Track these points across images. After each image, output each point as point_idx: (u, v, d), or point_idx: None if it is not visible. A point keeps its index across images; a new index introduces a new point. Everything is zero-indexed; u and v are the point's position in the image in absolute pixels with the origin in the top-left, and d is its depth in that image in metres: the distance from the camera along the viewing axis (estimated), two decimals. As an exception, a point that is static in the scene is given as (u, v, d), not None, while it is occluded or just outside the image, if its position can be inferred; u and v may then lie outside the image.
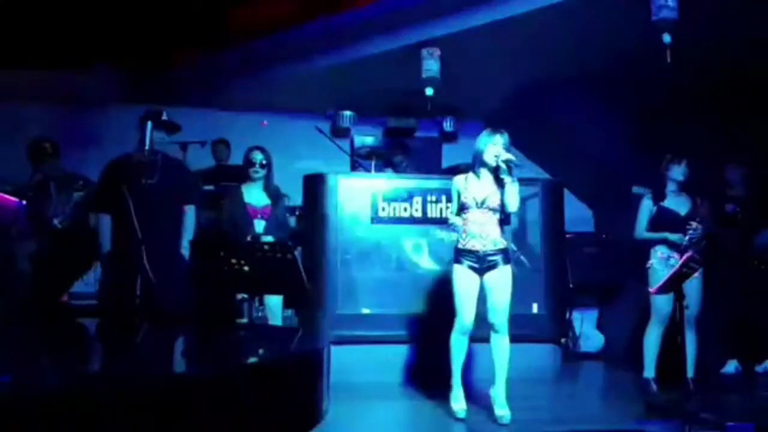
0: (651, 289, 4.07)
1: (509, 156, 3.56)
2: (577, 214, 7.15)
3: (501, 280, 3.61)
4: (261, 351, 2.19)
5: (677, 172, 4.34)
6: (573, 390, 5.05)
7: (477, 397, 3.83)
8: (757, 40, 5.08)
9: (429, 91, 6.08)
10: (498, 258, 3.61)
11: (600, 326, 6.19)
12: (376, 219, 4.97)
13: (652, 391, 4.12)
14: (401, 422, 3.90)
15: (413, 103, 6.73)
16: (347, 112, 7.92)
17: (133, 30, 6.49)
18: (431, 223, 4.97)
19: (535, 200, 5.28)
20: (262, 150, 4.23)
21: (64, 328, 2.74)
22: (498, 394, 3.61)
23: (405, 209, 5.00)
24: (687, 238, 4.19)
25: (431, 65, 5.99)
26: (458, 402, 3.72)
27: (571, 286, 5.88)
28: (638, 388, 4.23)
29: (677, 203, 4.36)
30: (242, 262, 2.90)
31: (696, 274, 3.87)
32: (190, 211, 3.98)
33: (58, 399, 1.18)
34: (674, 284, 3.47)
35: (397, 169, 6.46)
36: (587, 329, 6.14)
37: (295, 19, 6.51)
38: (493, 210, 3.63)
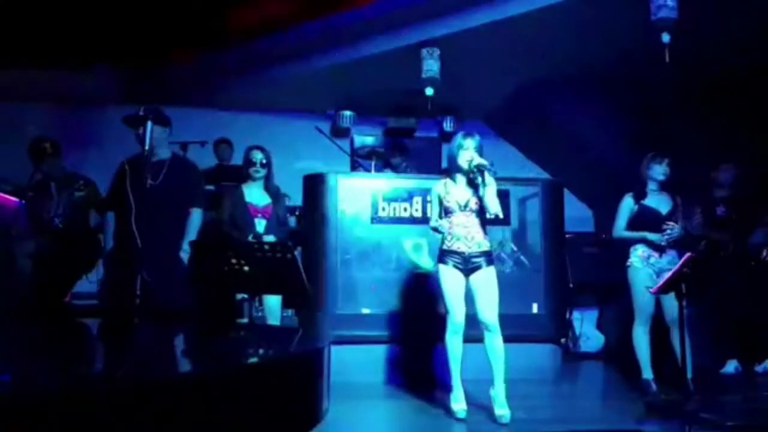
0: (651, 290, 4.06)
1: (481, 161, 3.60)
2: (577, 214, 7.16)
3: (486, 281, 3.65)
4: (261, 351, 2.19)
5: (658, 171, 4.31)
6: (573, 390, 5.05)
7: (477, 397, 3.83)
8: (754, 39, 5.09)
9: (429, 91, 6.08)
10: (482, 260, 3.66)
11: (600, 326, 6.19)
12: (376, 219, 4.97)
13: (652, 391, 4.11)
14: (401, 422, 3.90)
15: (413, 103, 6.74)
16: (347, 112, 7.92)
17: (133, 30, 6.48)
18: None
19: (535, 200, 5.28)
20: (262, 149, 4.24)
21: (64, 328, 2.74)
22: (498, 394, 3.61)
23: (405, 209, 5.00)
24: (665, 237, 4.18)
25: (431, 65, 5.99)
26: (458, 402, 3.72)
27: (571, 286, 5.89)
28: (638, 388, 4.23)
29: (658, 202, 4.33)
30: (242, 262, 2.90)
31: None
32: (194, 214, 3.95)
33: (58, 399, 1.18)
34: (674, 284, 3.47)
35: (396, 170, 6.47)
36: (587, 329, 6.15)
37: (295, 19, 6.51)
38: (476, 212, 3.67)
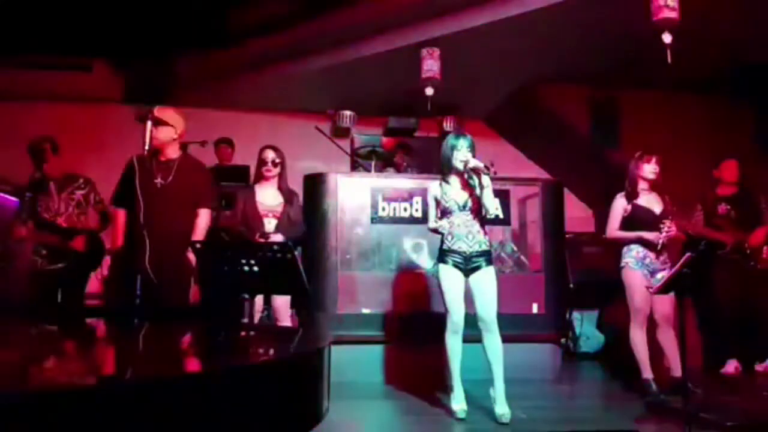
0: (651, 289, 4.06)
1: (477, 163, 3.60)
2: (577, 214, 7.16)
3: (486, 281, 3.66)
4: (261, 351, 2.19)
5: (647, 170, 4.30)
6: (573, 390, 5.05)
7: (477, 397, 3.83)
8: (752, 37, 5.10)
9: (429, 91, 6.08)
10: (482, 260, 3.67)
11: (600, 326, 6.19)
12: (376, 219, 4.97)
13: (652, 391, 4.11)
14: (401, 422, 3.90)
15: (413, 103, 6.74)
16: (347, 112, 7.92)
17: (133, 30, 6.49)
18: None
19: (535, 200, 5.28)
20: (275, 149, 4.19)
21: (65, 328, 2.74)
22: (498, 393, 3.62)
23: (405, 209, 5.00)
24: (663, 236, 4.16)
25: (431, 65, 5.99)
26: (458, 402, 3.72)
27: (571, 286, 5.89)
28: (638, 388, 4.23)
29: (649, 201, 4.32)
30: (243, 261, 2.89)
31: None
32: (203, 215, 3.89)
33: (58, 399, 1.18)
34: (674, 284, 3.47)
35: (398, 168, 6.46)
36: (587, 329, 6.15)
37: (295, 19, 6.52)
38: (475, 212, 3.67)
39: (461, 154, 3.66)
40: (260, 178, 4.20)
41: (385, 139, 7.53)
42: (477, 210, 3.69)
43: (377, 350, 4.78)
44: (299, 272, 2.97)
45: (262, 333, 2.85)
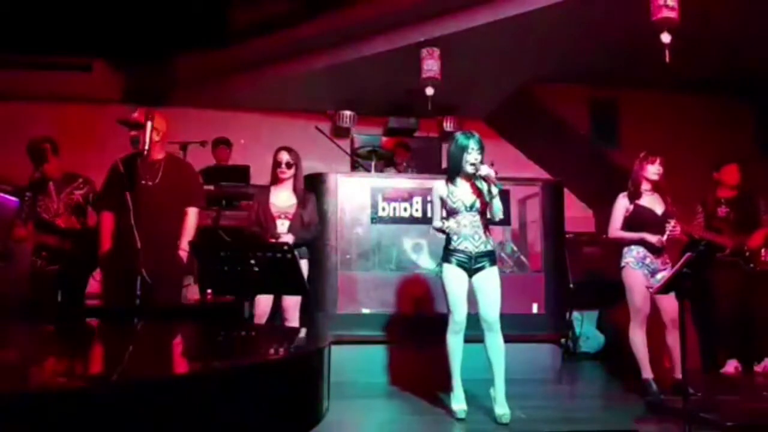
0: (651, 289, 4.07)
1: (489, 172, 3.57)
2: (577, 214, 7.16)
3: (490, 281, 3.65)
4: (261, 350, 2.19)
5: (651, 171, 4.29)
6: (573, 390, 5.05)
7: (477, 397, 3.83)
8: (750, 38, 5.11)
9: (429, 91, 6.08)
10: (486, 260, 3.66)
11: (600, 326, 6.19)
12: (376, 219, 4.97)
13: (652, 391, 4.11)
14: (401, 422, 3.89)
15: (413, 103, 6.74)
16: (347, 112, 7.92)
17: (133, 30, 6.49)
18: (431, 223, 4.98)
19: (535, 200, 5.28)
20: (289, 150, 4.18)
21: (64, 328, 2.74)
22: (498, 393, 3.61)
23: (405, 209, 5.00)
24: (666, 237, 4.16)
25: (431, 65, 6.00)
26: (459, 402, 3.72)
27: (571, 286, 5.89)
28: (638, 388, 4.23)
29: (652, 202, 4.31)
30: (243, 261, 2.89)
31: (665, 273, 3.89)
32: (191, 213, 3.95)
33: (58, 399, 1.18)
34: (675, 284, 3.47)
35: (398, 168, 6.46)
36: (587, 329, 6.15)
37: (295, 19, 6.52)
38: (482, 213, 3.67)
39: (471, 156, 3.63)
40: (275, 179, 4.20)
41: (385, 139, 7.54)
42: (484, 211, 3.68)
43: (377, 350, 4.78)
44: (299, 272, 2.97)
45: (262, 333, 2.86)
